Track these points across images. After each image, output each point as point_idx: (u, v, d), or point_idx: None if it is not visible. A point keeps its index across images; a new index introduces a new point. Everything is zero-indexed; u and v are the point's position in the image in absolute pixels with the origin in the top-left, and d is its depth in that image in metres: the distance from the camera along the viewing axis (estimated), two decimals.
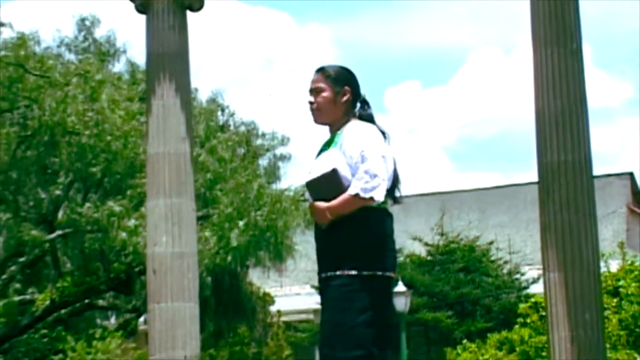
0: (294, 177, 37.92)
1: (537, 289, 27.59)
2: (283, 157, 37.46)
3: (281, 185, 35.62)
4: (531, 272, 35.26)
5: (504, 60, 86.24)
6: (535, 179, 15.72)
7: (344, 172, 6.94)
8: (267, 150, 37.03)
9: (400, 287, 33.39)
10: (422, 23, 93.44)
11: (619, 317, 27.07)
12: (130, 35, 43.90)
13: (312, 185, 7.05)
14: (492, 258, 40.67)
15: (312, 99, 7.34)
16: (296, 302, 43.03)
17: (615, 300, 26.75)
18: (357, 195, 6.85)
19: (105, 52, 37.82)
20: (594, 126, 15.56)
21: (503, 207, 46.75)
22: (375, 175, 6.87)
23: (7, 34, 31.76)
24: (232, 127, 36.22)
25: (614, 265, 29.22)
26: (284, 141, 37.46)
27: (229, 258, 31.88)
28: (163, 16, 17.15)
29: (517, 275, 39.52)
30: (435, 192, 51.65)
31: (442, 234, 41.92)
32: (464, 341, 34.94)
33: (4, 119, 29.97)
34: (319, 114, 7.35)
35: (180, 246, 17.04)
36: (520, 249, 39.05)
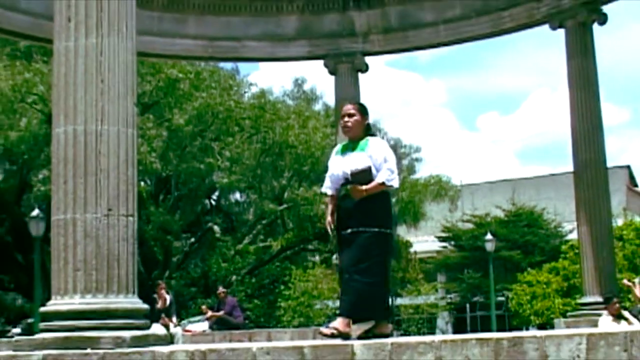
0: (424, 172, 37.80)
1: (573, 236, 27.08)
2: (417, 159, 37.38)
3: (416, 176, 35.46)
4: (569, 226, 34.43)
5: (551, 97, 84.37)
6: (572, 169, 15.50)
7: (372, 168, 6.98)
8: (407, 155, 36.91)
9: (489, 236, 32.99)
10: (500, 72, 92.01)
11: (623, 253, 26.59)
12: (325, 87, 44.42)
13: (354, 174, 6.93)
14: (544, 218, 40.00)
15: (347, 119, 7.22)
16: (425, 246, 42.77)
17: (620, 243, 26.31)
18: (383, 183, 6.93)
19: (310, 99, 38.28)
20: (606, 137, 15.28)
21: (551, 187, 45.84)
22: (393, 171, 6.97)
23: (254, 89, 32.46)
24: (385, 141, 36.18)
25: (619, 222, 28.71)
26: (417, 150, 37.37)
27: None
28: (345, 76, 17.11)
29: (560, 228, 38.74)
30: (509, 178, 51.08)
31: (513, 204, 41.28)
32: (528, 269, 34.57)
33: (252, 140, 30.48)
34: (350, 129, 7.23)
35: None
36: (561, 212, 38.19)
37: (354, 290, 6.83)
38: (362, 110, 7.33)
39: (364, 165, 6.95)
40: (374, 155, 7.01)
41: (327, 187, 7.30)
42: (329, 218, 7.18)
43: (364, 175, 6.92)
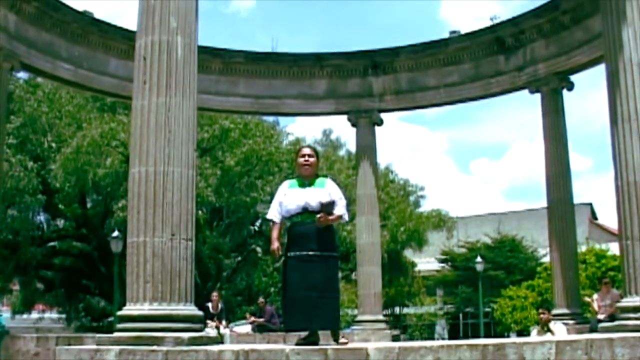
0: (427, 206, 37.46)
1: (546, 259, 26.83)
2: (421, 196, 37.12)
3: (420, 210, 35.26)
4: (543, 251, 34.01)
5: (529, 147, 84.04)
6: (546, 205, 15.38)
7: None
8: (414, 192, 36.71)
9: (479, 259, 32.76)
10: (490, 127, 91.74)
11: (585, 274, 26.33)
12: (348, 137, 44.47)
13: (323, 205, 6.75)
14: (524, 245, 39.56)
15: (308, 159, 7.04)
16: (427, 266, 42.43)
17: (583, 265, 26.09)
18: (341, 216, 6.81)
19: (336, 146, 38.30)
20: (572, 180, 15.20)
21: (530, 220, 45.21)
22: (345, 207, 6.89)
23: (291, 138, 32.41)
24: (396, 181, 36.03)
25: (583, 248, 28.51)
26: (422, 188, 37.20)
27: (397, 245, 31.85)
28: (364, 128, 17.17)
29: (536, 253, 38.30)
30: (495, 212, 50.76)
31: (499, 233, 40.93)
32: (510, 286, 34.23)
33: (276, 178, 30.16)
34: (310, 169, 7.02)
35: (371, 239, 16.96)
36: (537, 240, 37.73)
37: (330, 305, 6.62)
38: (317, 154, 7.26)
39: (330, 198, 6.83)
40: (332, 193, 6.88)
41: (274, 215, 6.98)
42: (276, 244, 6.85)
43: (331, 207, 6.79)
